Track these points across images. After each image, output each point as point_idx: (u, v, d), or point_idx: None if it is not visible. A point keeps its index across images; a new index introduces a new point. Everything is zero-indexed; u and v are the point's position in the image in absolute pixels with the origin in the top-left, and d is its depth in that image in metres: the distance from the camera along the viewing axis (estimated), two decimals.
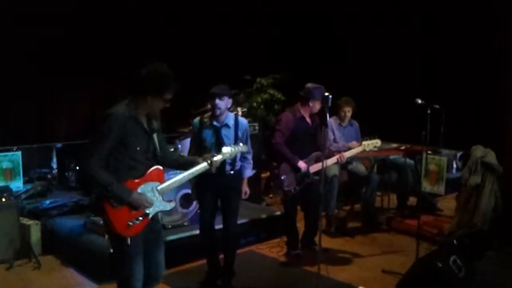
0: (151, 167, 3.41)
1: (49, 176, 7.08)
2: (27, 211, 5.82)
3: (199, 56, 8.07)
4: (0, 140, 6.63)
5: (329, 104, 4.19)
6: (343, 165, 6.05)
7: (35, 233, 5.41)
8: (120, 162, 3.28)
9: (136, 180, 3.34)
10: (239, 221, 5.64)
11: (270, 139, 5.31)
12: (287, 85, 7.96)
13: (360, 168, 6.38)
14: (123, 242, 3.30)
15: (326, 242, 5.65)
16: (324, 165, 4.32)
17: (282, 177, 5.13)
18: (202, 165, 3.64)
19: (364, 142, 5.34)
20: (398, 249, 5.69)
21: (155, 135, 3.45)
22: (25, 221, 5.46)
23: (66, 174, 7.16)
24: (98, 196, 3.30)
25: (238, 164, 4.54)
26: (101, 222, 5.00)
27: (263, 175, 7.77)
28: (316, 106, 5.22)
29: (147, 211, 3.39)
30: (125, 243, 3.30)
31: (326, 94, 4.24)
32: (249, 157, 4.62)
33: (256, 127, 7.39)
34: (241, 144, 4.06)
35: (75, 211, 5.97)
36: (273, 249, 5.71)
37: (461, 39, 7.58)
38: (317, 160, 5.20)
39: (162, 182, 3.46)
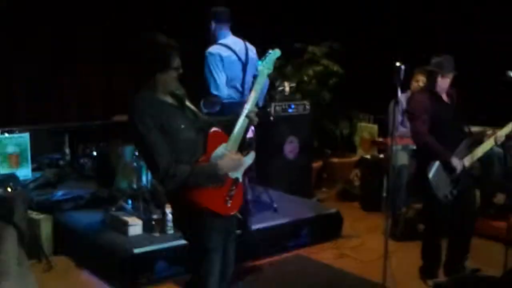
0: (205, 137, 3.28)
1: (61, 162, 7.03)
2: (36, 203, 5.80)
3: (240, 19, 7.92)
4: (5, 120, 6.66)
5: (401, 76, 4.10)
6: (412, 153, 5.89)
7: (46, 229, 5.46)
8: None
9: (202, 159, 3.24)
10: (284, 220, 5.81)
11: (414, 129, 4.90)
12: (344, 55, 7.80)
13: None
14: None
15: (392, 246, 5.37)
16: None
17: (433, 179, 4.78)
18: (241, 120, 3.38)
19: (498, 133, 4.98)
20: (482, 257, 5.48)
21: (187, 103, 3.39)
22: (34, 215, 5.49)
23: (81, 160, 7.11)
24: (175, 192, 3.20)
25: None
26: (123, 216, 5.33)
27: (314, 164, 7.68)
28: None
29: (236, 175, 3.32)
30: None
31: (398, 64, 4.12)
32: None
33: (307, 106, 7.25)
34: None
35: (92, 204, 5.98)
36: (326, 253, 5.64)
37: None
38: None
39: (226, 141, 3.33)
